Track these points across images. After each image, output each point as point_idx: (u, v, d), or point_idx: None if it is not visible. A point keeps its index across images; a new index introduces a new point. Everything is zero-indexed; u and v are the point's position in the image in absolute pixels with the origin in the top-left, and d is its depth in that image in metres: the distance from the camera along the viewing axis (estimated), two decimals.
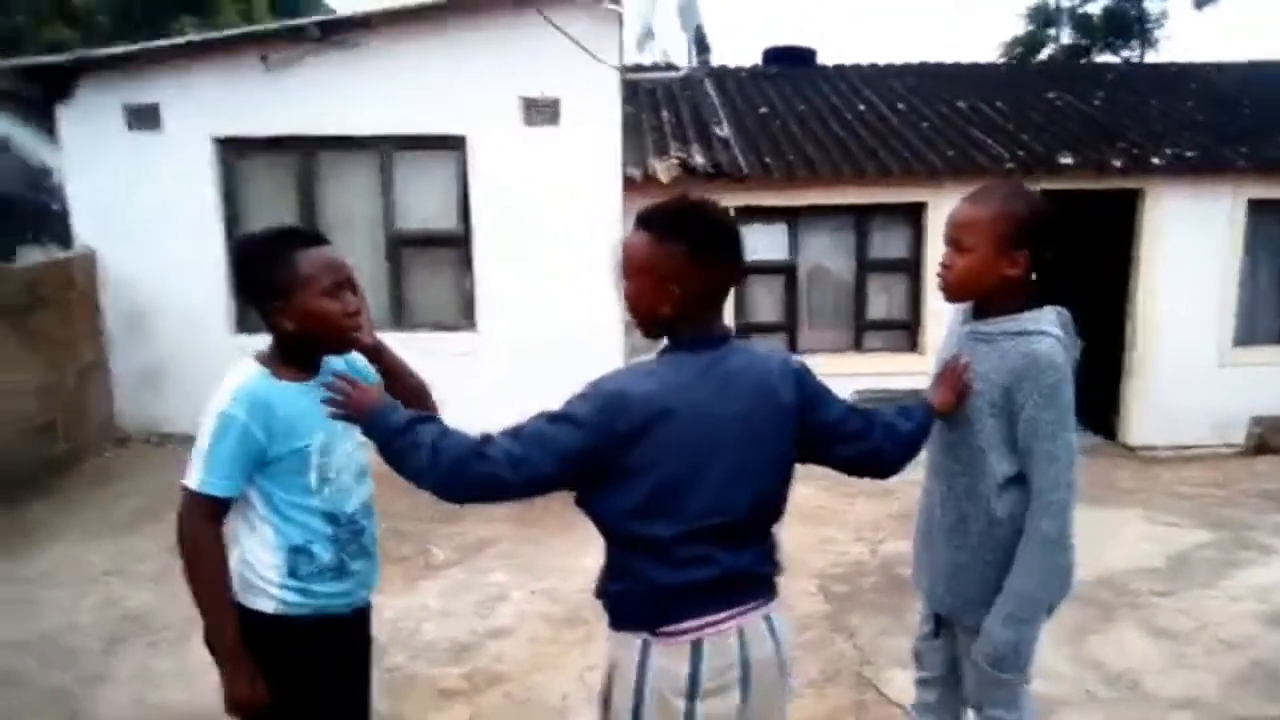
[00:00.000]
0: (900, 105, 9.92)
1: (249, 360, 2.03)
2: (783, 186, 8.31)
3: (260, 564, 1.99)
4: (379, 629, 2.42)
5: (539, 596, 4.58)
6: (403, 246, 7.30)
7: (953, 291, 2.29)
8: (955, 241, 2.23)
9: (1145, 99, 10.25)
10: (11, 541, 5.25)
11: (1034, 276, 2.25)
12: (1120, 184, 8.45)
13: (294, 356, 2.04)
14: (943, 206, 7.93)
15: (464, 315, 7.33)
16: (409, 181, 7.25)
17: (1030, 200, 2.24)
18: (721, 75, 11.13)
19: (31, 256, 7.25)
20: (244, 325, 7.22)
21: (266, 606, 1.99)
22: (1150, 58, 23.52)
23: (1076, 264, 9.44)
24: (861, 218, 8.58)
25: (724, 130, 9.08)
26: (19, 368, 6.20)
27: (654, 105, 9.71)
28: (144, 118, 6.98)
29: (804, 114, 9.66)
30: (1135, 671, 3.86)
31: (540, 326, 7.14)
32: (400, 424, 1.83)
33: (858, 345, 8.70)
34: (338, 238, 7.60)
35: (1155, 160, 8.35)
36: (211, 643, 1.94)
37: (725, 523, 1.86)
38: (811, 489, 5.62)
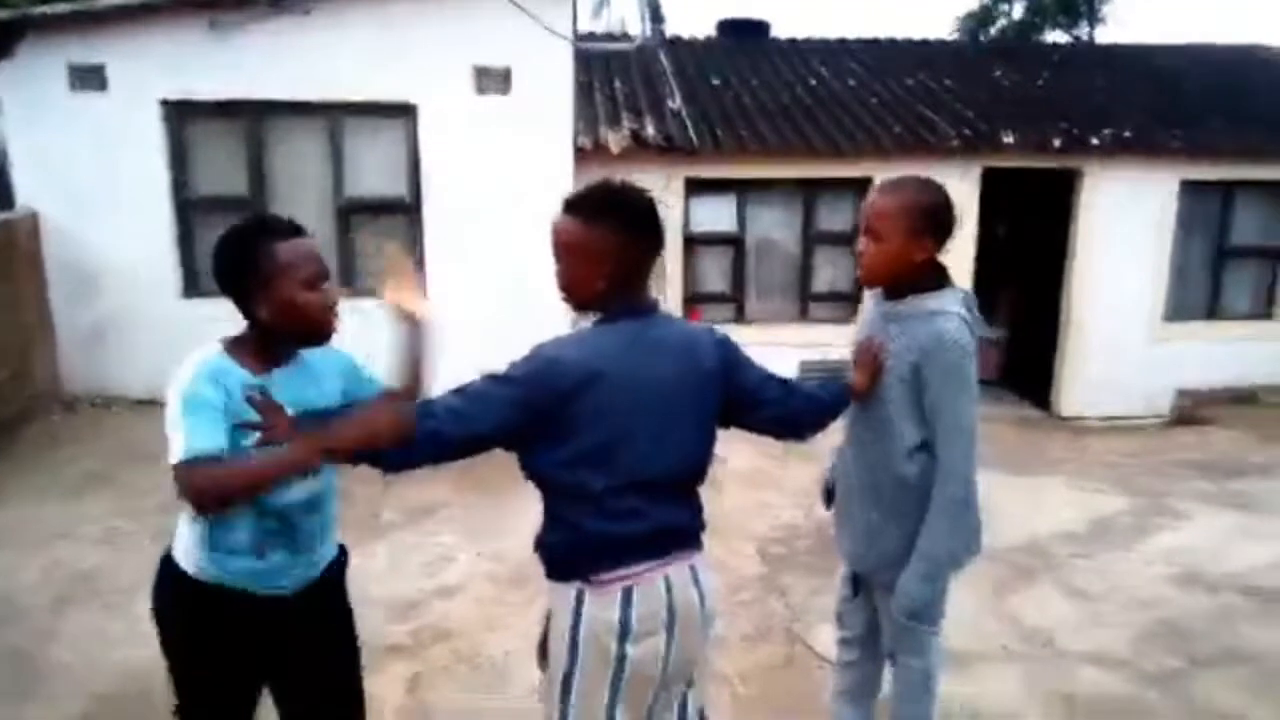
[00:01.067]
0: (851, 80, 10.08)
1: (213, 343, 2.03)
2: (733, 159, 8.45)
3: (189, 530, 2.07)
4: None
5: (485, 558, 4.71)
6: (352, 213, 7.32)
7: (869, 276, 2.47)
8: (870, 230, 2.40)
9: (1088, 79, 10.51)
10: None
11: (940, 261, 2.43)
12: (1059, 163, 8.71)
13: (265, 347, 2.05)
14: None
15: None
16: (359, 148, 7.26)
17: (936, 191, 2.41)
18: (675, 45, 11.20)
19: None
20: (192, 289, 7.23)
21: (189, 568, 2.07)
22: (1099, 35, 23.91)
23: (1020, 240, 9.74)
24: (809, 191, 8.76)
25: (676, 102, 9.17)
26: None
27: (607, 75, 9.76)
28: (88, 78, 6.89)
29: (756, 87, 9.78)
30: (1050, 629, 4.10)
31: (489, 293, 7.21)
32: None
33: (803, 316, 8.90)
34: (287, 203, 7.57)
35: (1093, 140, 8.61)
36: (318, 452, 1.85)
37: (653, 479, 2.01)
38: (750, 453, 5.80)
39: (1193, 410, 8.70)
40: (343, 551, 2.36)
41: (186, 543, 2.08)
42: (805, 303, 8.95)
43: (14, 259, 6.77)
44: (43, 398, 6.97)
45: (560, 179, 7.26)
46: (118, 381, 7.09)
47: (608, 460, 1.94)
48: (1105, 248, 8.83)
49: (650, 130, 8.42)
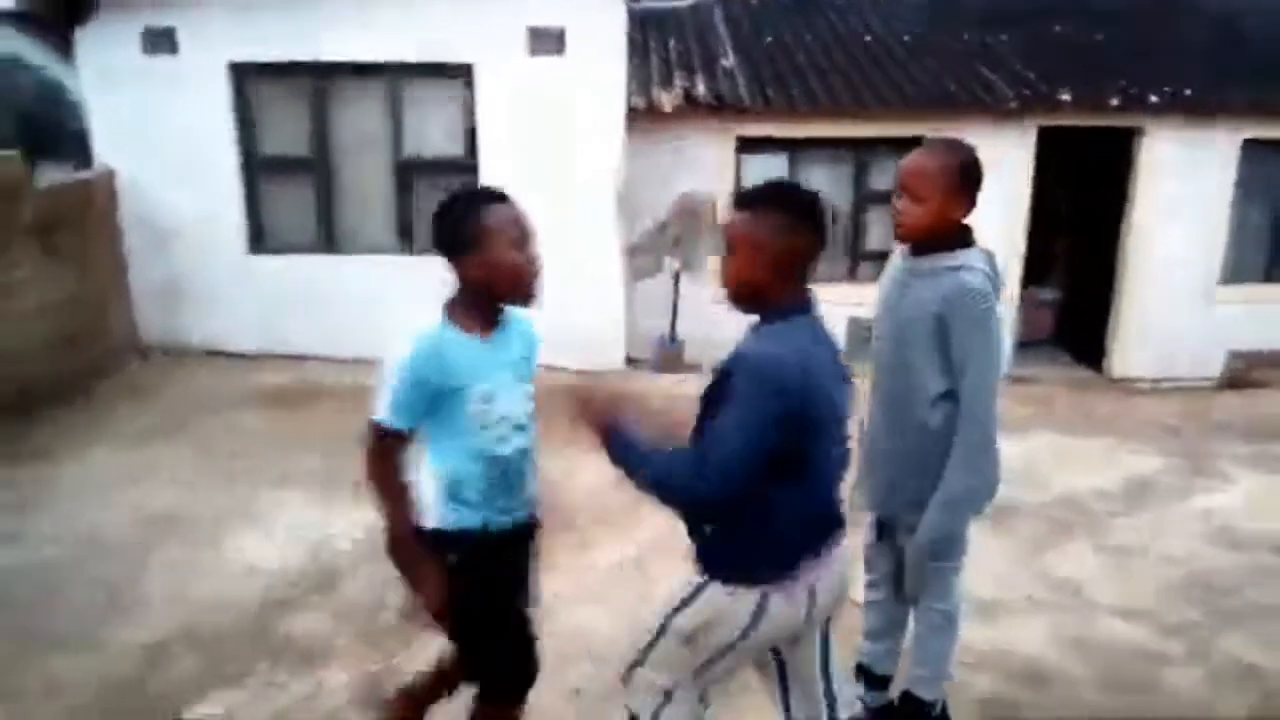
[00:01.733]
0: (906, 37, 10.00)
1: (435, 314, 2.29)
2: (784, 118, 8.51)
3: (429, 487, 2.36)
4: None
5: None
6: (412, 172, 7.55)
7: (911, 234, 2.62)
8: (909, 191, 2.54)
9: (1150, 33, 10.28)
10: (43, 449, 5.60)
11: (966, 222, 2.57)
12: (1117, 121, 8.62)
13: (478, 308, 2.30)
14: None
15: None
16: (419, 108, 7.47)
17: (969, 151, 2.58)
18: (729, 2, 11.17)
19: (50, 174, 7.51)
20: (259, 245, 7.55)
21: (429, 523, 2.34)
22: None
23: (1076, 200, 9.68)
24: (861, 151, 8.79)
25: (729, 60, 9.22)
26: (44, 283, 6.51)
27: (660, 33, 9.82)
28: (159, 41, 7.18)
29: (809, 44, 9.77)
30: (1079, 581, 4.24)
31: (543, 249, 7.39)
32: (644, 453, 2.08)
33: (853, 275, 8.97)
34: (348, 162, 7.80)
35: (1152, 98, 8.50)
36: (396, 554, 2.30)
37: (839, 470, 2.20)
38: None
39: (1245, 373, 8.65)
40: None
41: (426, 499, 2.35)
42: (856, 261, 9.02)
43: (92, 216, 7.13)
44: (119, 348, 7.36)
45: (613, 137, 7.42)
46: (190, 333, 7.46)
47: (817, 454, 2.07)
48: (1162, 208, 8.75)
49: (702, 89, 8.50)
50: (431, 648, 3.46)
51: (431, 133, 7.53)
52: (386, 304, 7.22)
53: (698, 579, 2.19)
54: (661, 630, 2.23)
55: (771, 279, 2.07)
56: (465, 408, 2.26)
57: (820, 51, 9.58)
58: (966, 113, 8.37)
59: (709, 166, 8.57)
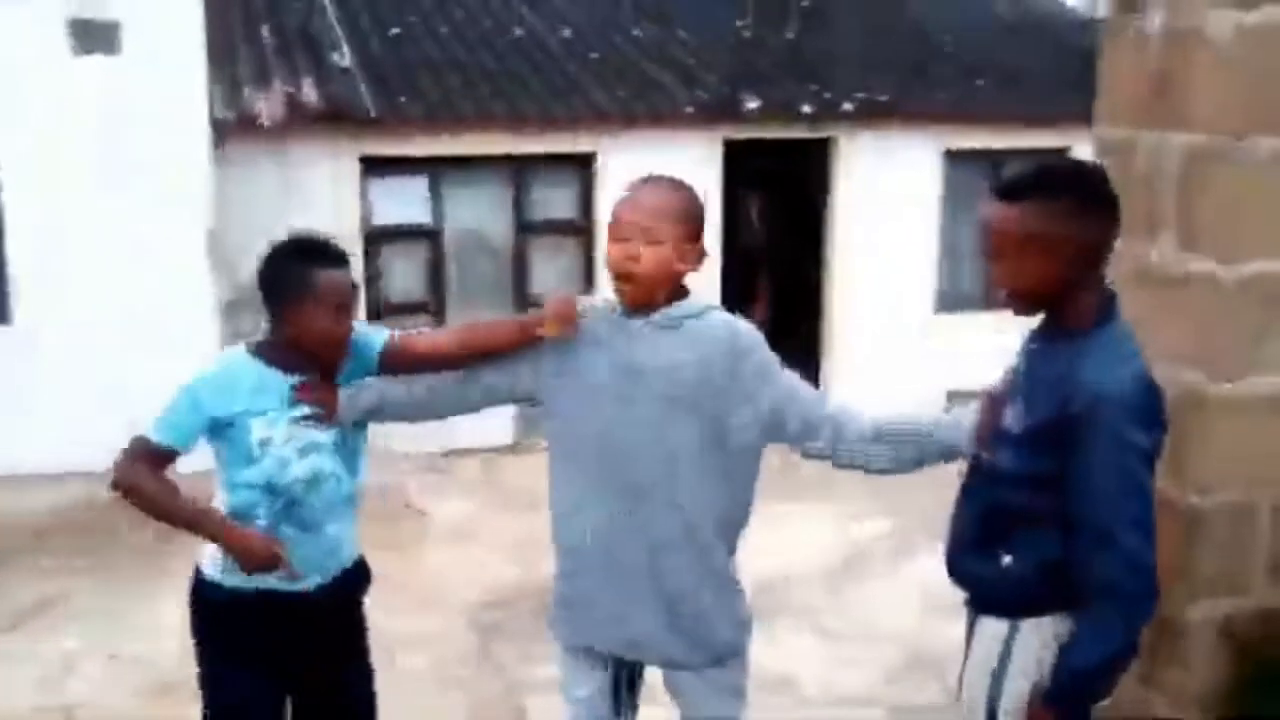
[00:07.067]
0: (566, 32, 10.69)
1: (240, 347, 2.73)
2: (421, 132, 8.86)
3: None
4: None
5: (120, 663, 4.89)
6: None
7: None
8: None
9: (845, 32, 11.62)
10: None
11: None
12: (810, 133, 9.74)
13: (284, 355, 2.68)
14: (615, 158, 8.86)
15: None
16: None
17: None
18: None
19: None
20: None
21: (217, 575, 2.70)
22: None
23: (775, 217, 10.71)
24: (520, 170, 9.33)
25: (345, 58, 9.44)
26: None
27: (251, 21, 9.86)
28: None
29: (448, 39, 10.20)
30: (796, 674, 4.83)
31: (106, 311, 7.23)
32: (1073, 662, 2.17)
33: None
34: None
35: (846, 106, 9.68)
36: (204, 535, 2.64)
37: None
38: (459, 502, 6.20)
39: None
40: (365, 568, 2.98)
41: (213, 550, 2.69)
42: (523, 307, 9.46)
43: None
44: None
45: (194, 161, 7.44)
46: None
47: None
48: (866, 229, 9.91)
49: (311, 94, 8.63)
50: None
51: None
52: None
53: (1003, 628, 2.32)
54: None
55: (1070, 276, 2.14)
56: (248, 431, 2.66)
57: (462, 49, 10.04)
58: (640, 123, 9.14)
59: (326, 194, 8.70)
